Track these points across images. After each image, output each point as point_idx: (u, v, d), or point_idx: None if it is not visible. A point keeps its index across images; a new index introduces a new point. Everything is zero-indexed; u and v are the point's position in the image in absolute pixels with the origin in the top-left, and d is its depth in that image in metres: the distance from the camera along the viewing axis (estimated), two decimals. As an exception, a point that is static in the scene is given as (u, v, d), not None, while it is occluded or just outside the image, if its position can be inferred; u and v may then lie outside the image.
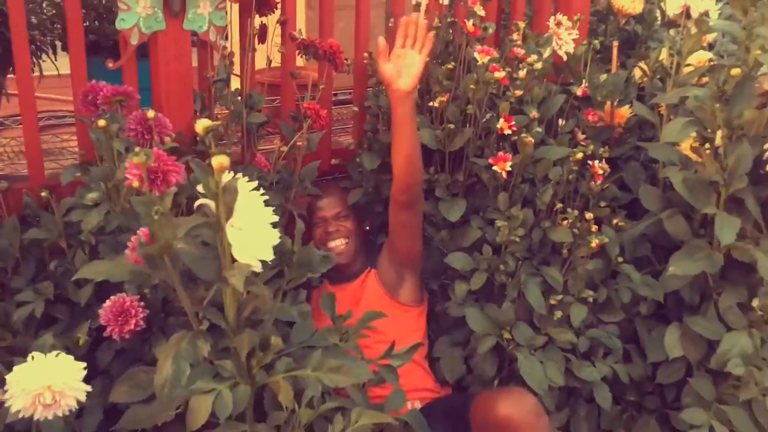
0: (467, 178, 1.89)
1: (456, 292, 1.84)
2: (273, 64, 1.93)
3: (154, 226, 1.21)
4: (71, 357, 1.15)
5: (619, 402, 1.87)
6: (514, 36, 2.07)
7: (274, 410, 1.33)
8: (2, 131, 2.45)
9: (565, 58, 2.12)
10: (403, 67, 1.61)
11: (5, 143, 2.31)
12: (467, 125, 1.84)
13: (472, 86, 1.78)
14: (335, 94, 2.37)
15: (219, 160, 1.16)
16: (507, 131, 1.78)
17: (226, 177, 1.15)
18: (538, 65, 1.94)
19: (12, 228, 1.50)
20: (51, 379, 1.11)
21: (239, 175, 1.22)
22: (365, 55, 2.02)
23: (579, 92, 2.06)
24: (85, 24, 1.99)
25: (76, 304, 1.46)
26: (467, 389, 1.86)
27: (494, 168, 1.75)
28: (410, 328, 1.83)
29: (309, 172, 1.82)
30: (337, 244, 1.86)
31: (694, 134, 1.75)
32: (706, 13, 2.03)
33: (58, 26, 2.04)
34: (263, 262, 1.22)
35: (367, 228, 2.02)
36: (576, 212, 1.78)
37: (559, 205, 1.81)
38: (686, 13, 2.02)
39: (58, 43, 2.03)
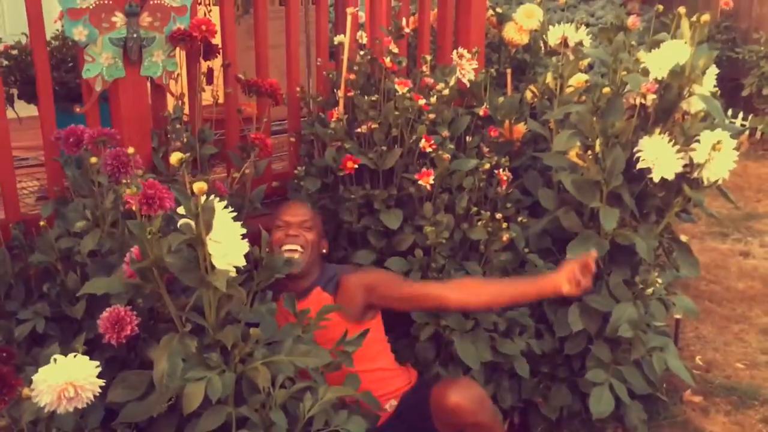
0: (399, 191, 2.15)
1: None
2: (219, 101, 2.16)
3: (145, 245, 1.45)
4: (86, 357, 1.35)
5: (535, 374, 2.18)
6: (424, 68, 2.39)
7: (252, 395, 1.56)
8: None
9: (468, 84, 2.47)
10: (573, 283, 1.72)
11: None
12: (395, 146, 2.13)
13: (396, 113, 2.07)
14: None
15: (199, 186, 1.41)
16: (428, 149, 2.08)
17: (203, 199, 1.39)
18: (446, 92, 2.27)
19: (2, 258, 1.67)
20: (73, 375, 1.31)
21: (213, 196, 1.48)
22: (297, 89, 2.28)
23: (482, 113, 2.41)
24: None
25: (66, 322, 1.65)
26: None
27: (419, 182, 2.04)
28: (371, 338, 1.82)
29: (257, 195, 2.06)
30: (293, 248, 1.86)
31: (578, 143, 2.10)
32: (580, 42, 2.43)
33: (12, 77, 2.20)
34: (237, 267, 1.49)
35: (324, 251, 1.99)
36: (488, 214, 2.09)
37: (474, 209, 2.12)
38: (564, 43, 2.40)
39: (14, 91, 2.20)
